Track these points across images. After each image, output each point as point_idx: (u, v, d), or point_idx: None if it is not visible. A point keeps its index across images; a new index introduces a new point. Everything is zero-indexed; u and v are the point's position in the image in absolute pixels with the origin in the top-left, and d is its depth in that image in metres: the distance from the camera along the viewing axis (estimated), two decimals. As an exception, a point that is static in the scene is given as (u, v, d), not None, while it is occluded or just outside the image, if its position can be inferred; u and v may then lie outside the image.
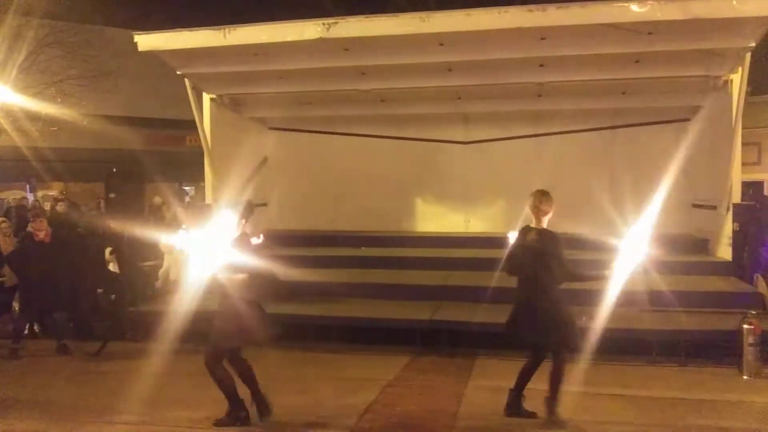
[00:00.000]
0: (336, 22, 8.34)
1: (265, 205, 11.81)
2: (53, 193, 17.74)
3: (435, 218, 12.35)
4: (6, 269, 8.68)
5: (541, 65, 9.15)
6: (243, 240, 5.35)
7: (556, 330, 5.24)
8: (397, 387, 6.52)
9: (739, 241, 9.04)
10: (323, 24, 8.34)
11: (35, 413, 5.85)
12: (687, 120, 11.06)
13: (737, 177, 9.12)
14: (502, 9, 8.10)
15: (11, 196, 19.67)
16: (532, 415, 5.38)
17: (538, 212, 5.31)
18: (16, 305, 8.84)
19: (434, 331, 7.89)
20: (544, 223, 5.33)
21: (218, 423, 5.36)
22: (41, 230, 8.08)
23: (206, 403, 5.65)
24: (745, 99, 8.78)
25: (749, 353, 6.73)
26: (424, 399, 6.14)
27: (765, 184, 16.08)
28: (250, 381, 5.41)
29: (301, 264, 8.61)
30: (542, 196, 5.33)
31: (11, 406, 6.06)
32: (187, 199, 12.35)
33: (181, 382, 6.46)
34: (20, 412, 5.87)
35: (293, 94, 10.75)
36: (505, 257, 5.59)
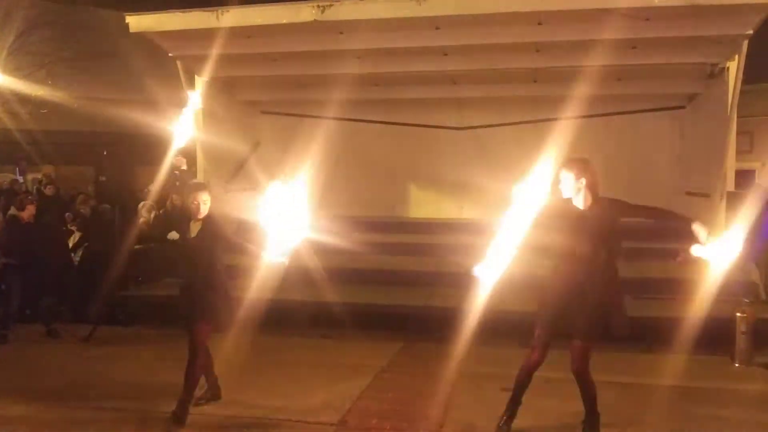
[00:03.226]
0: (331, 5, 8.25)
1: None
2: (39, 176, 17.62)
3: (428, 204, 12.31)
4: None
5: (537, 50, 9.08)
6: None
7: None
8: (390, 373, 6.52)
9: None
10: (318, 6, 8.24)
11: (24, 399, 5.79)
12: (682, 107, 11.04)
13: (731, 165, 9.10)
14: (499, -7, 8.03)
15: (1, 179, 19.51)
16: None
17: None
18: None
19: (427, 317, 7.88)
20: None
21: None
22: (28, 213, 8.01)
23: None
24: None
25: (741, 341, 6.77)
26: (418, 385, 6.14)
27: (756, 173, 16.10)
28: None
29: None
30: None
31: (1, 391, 6.00)
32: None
33: (172, 366, 6.40)
34: (9, 398, 5.81)
35: (286, 77, 10.66)
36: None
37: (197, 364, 5.23)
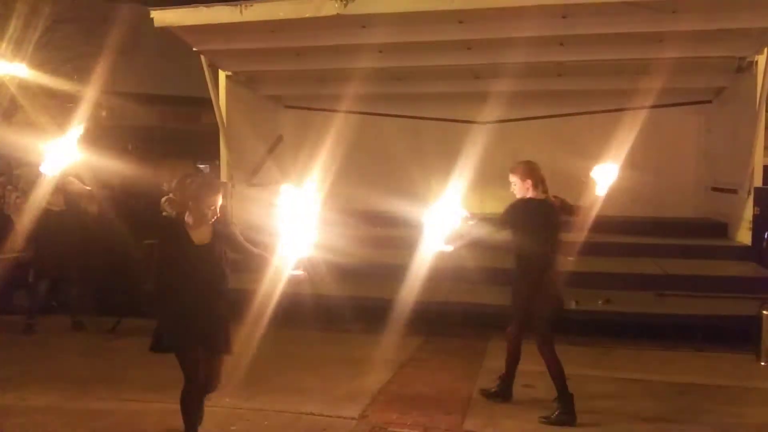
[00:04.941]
0: (354, -1, 8.25)
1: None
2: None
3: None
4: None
5: (562, 44, 9.02)
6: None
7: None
8: (410, 368, 6.50)
9: (759, 225, 8.91)
10: (341, 0, 8.24)
11: (49, 389, 5.86)
12: (709, 102, 10.89)
13: (759, 160, 8.97)
14: (524, -14, 7.97)
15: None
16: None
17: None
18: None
19: (448, 312, 7.87)
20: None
21: None
22: (57, 205, 8.12)
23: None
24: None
25: (767, 339, 6.65)
26: (438, 380, 6.12)
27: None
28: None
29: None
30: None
31: (26, 381, 6.09)
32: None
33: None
34: (35, 388, 5.89)
35: (309, 71, 10.69)
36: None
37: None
